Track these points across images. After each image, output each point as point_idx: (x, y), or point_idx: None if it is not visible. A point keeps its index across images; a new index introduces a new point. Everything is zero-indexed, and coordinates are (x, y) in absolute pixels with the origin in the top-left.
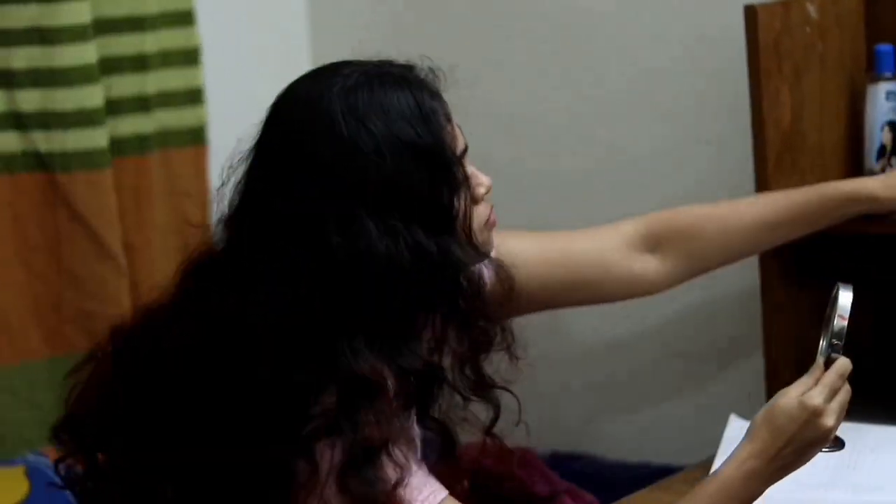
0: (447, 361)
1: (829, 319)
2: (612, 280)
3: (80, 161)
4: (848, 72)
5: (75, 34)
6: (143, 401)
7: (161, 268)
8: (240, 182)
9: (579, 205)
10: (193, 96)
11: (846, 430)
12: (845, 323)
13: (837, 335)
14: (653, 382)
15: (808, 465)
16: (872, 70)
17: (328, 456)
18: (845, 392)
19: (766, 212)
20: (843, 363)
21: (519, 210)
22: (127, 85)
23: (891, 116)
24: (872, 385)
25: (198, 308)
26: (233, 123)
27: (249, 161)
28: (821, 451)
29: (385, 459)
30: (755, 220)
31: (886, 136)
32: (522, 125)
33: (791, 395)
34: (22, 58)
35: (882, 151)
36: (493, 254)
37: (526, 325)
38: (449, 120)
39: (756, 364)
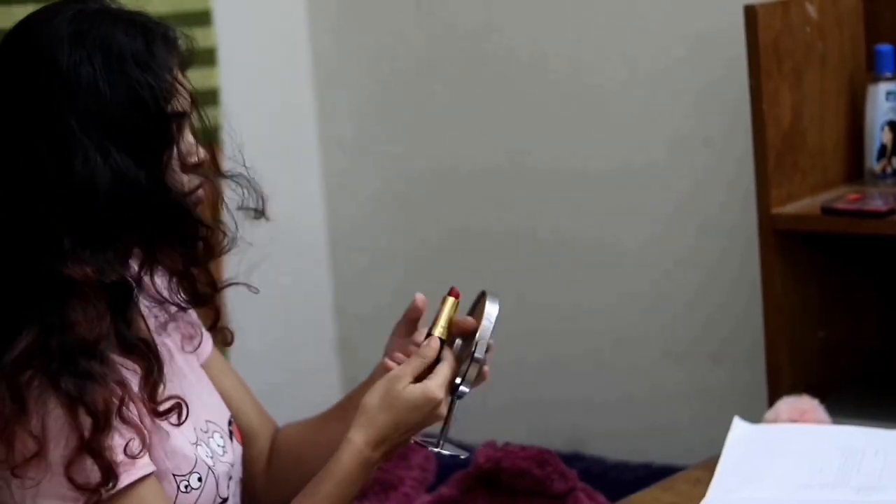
0: (162, 281)
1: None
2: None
3: None
4: (848, 72)
5: None
6: None
7: None
8: None
9: (580, 204)
10: (209, 97)
11: (853, 433)
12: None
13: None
14: (654, 383)
15: (814, 466)
16: (872, 70)
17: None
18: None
19: None
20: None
21: (521, 206)
22: None
23: (891, 116)
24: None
25: None
26: (246, 123)
27: None
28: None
29: (102, 361)
30: None
31: (887, 136)
32: (528, 124)
33: (407, 380)
34: None
35: (882, 151)
36: None
37: (536, 330)
38: (177, 81)
39: (757, 364)
